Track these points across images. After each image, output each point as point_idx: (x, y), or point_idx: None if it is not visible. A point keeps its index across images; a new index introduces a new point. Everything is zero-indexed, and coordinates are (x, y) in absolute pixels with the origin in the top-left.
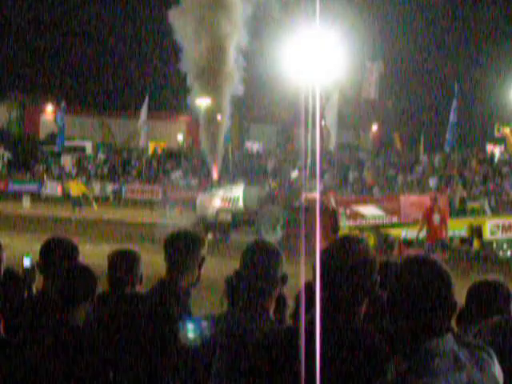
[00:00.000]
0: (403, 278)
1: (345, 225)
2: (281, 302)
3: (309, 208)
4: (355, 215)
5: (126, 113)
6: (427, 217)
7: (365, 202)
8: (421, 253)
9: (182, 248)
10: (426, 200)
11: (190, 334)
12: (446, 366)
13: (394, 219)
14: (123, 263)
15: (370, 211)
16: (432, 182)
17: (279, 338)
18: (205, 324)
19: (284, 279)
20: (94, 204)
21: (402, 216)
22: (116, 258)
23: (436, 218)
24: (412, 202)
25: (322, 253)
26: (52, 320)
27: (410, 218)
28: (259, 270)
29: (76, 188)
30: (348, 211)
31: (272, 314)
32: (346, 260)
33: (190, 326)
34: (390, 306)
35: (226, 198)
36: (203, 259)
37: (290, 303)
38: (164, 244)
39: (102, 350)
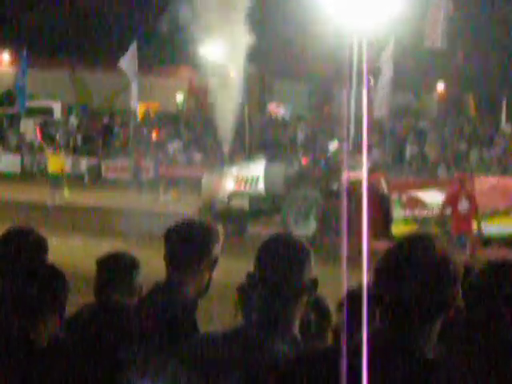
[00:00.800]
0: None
1: (398, 215)
2: (311, 315)
3: (352, 193)
4: (413, 203)
5: (106, 65)
6: (452, 203)
7: (427, 185)
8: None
9: (189, 243)
10: (510, 183)
11: None
12: None
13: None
14: (115, 270)
15: (434, 198)
16: None
17: (307, 365)
18: None
19: (314, 285)
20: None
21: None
22: (106, 263)
23: (463, 204)
24: (491, 185)
25: (385, 254)
26: (7, 339)
27: (488, 207)
28: (279, 272)
29: (56, 163)
30: (404, 197)
31: (298, 331)
32: (419, 261)
33: None
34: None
35: (242, 178)
36: (216, 260)
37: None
38: (164, 237)
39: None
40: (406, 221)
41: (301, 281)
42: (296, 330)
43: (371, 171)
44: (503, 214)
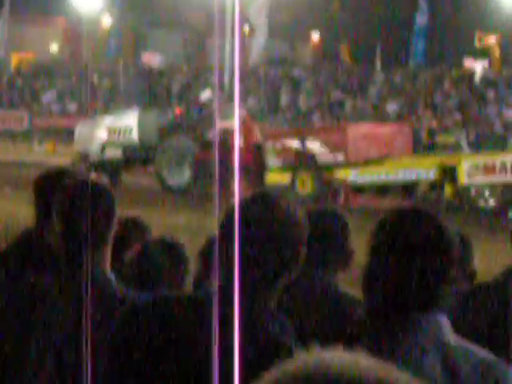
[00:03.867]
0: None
1: (273, 164)
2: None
3: (225, 141)
4: (287, 151)
5: None
6: None
7: (300, 133)
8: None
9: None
10: (383, 131)
11: None
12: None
13: (340, 157)
14: None
15: (309, 146)
16: (391, 108)
17: (160, 309)
18: None
19: None
20: None
21: (351, 153)
22: None
23: None
24: (364, 133)
25: (227, 212)
26: None
27: (362, 155)
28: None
29: None
30: (278, 146)
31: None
32: (258, 221)
33: None
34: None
35: (115, 127)
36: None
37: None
38: (33, 187)
39: None
40: (280, 169)
41: None
42: None
43: (244, 120)
44: (376, 162)
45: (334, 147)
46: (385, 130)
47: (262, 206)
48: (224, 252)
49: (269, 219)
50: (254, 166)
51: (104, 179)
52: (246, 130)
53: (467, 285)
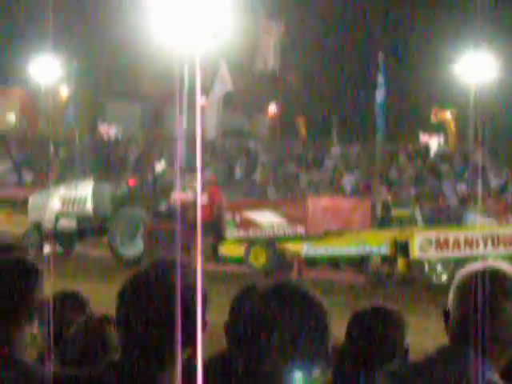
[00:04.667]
0: None
1: (232, 235)
2: None
3: (182, 214)
4: (247, 223)
5: None
6: None
7: (260, 206)
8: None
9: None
10: (343, 204)
11: None
12: None
13: (300, 229)
14: None
15: (267, 218)
16: (348, 183)
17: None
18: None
19: None
20: None
21: (311, 225)
22: None
23: None
24: (324, 206)
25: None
26: None
27: (321, 228)
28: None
29: None
30: (237, 218)
31: None
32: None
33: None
34: None
35: (69, 198)
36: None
37: None
38: None
39: None
40: (238, 241)
41: None
42: None
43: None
44: (336, 234)
45: (294, 219)
46: (345, 203)
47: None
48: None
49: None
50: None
51: (58, 250)
52: (213, 191)
53: (400, 362)
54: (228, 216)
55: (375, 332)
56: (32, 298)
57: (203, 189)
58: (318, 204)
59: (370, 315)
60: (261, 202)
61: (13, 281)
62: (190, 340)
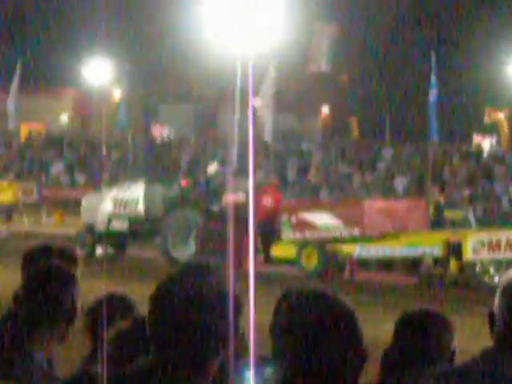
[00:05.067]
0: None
1: (288, 237)
2: None
3: (234, 215)
4: (303, 225)
5: None
6: None
7: (317, 207)
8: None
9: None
10: (400, 205)
11: None
12: None
13: (356, 231)
14: None
15: (323, 220)
16: (400, 184)
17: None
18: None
19: None
20: None
21: (367, 227)
22: None
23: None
24: (380, 207)
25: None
26: None
27: (377, 230)
28: None
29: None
30: (293, 219)
31: None
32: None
33: (248, 375)
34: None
35: (121, 199)
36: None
37: None
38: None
39: None
40: (291, 242)
41: None
42: None
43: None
44: (392, 236)
45: (350, 221)
46: (401, 204)
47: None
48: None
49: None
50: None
51: (110, 251)
52: (275, 192)
53: (447, 364)
54: (284, 217)
55: (422, 333)
56: (67, 302)
57: (265, 190)
58: (374, 206)
59: (417, 317)
60: (317, 204)
61: (46, 287)
62: (222, 344)
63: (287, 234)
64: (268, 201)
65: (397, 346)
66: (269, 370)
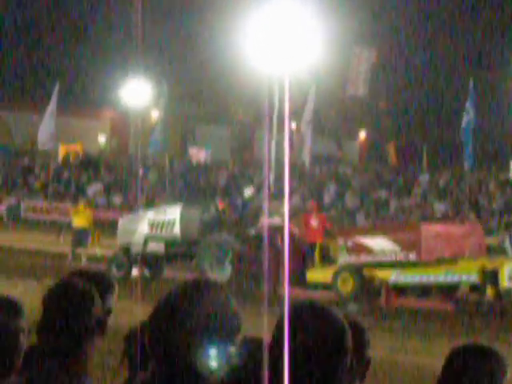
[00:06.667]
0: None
1: (344, 261)
2: None
3: (270, 239)
4: (359, 249)
5: (29, 104)
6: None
7: (373, 231)
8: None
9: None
10: (457, 230)
11: (212, 363)
12: None
13: (413, 256)
14: None
15: (380, 244)
16: (439, 208)
17: None
18: (232, 350)
19: None
20: None
21: (424, 252)
22: None
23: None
24: (437, 232)
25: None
26: None
27: (434, 254)
28: None
29: None
30: (349, 243)
31: None
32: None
33: (213, 353)
34: None
35: (158, 221)
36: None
37: None
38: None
39: None
40: (349, 267)
41: None
42: None
43: (294, 216)
44: (450, 261)
45: (407, 246)
46: (458, 229)
47: (312, 315)
48: (275, 358)
49: (319, 328)
50: (296, 263)
51: (146, 273)
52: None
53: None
54: (340, 241)
55: (474, 369)
56: (89, 318)
57: (310, 215)
58: (432, 230)
59: (469, 352)
60: (373, 228)
61: (67, 304)
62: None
63: (343, 257)
64: (315, 222)
65: (447, 381)
66: (232, 348)
